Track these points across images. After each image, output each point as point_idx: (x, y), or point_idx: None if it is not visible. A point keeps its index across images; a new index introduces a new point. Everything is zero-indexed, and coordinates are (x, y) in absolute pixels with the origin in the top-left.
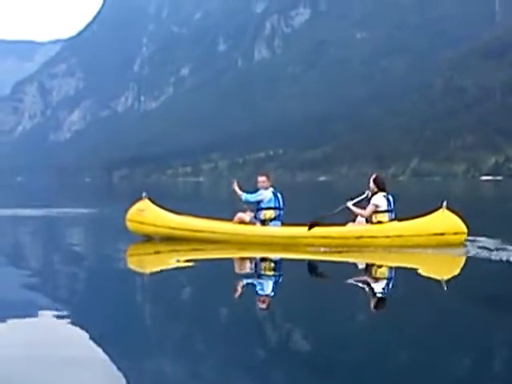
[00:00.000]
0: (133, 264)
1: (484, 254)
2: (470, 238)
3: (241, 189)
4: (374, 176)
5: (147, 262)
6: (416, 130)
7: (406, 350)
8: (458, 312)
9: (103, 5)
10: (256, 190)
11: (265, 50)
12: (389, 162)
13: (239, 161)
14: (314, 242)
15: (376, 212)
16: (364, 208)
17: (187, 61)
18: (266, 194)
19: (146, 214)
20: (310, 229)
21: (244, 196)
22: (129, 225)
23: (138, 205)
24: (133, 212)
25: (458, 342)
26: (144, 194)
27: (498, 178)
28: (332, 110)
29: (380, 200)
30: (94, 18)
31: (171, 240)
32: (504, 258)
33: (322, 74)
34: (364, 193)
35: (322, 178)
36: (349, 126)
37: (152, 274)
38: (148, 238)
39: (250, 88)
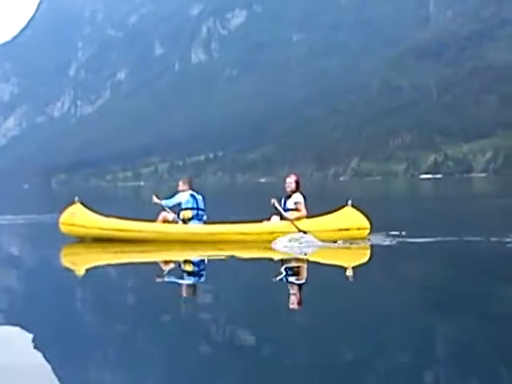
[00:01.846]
0: (66, 264)
1: (385, 245)
2: (380, 232)
3: (159, 198)
4: (294, 177)
5: (78, 263)
6: (355, 130)
7: (322, 335)
8: (363, 298)
9: (37, 9)
10: (175, 194)
11: (202, 52)
12: (329, 162)
13: (179, 164)
14: (230, 238)
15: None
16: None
17: (124, 64)
18: (183, 197)
19: (76, 217)
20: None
21: (164, 202)
22: (62, 228)
23: (70, 208)
24: (65, 215)
25: (364, 324)
26: (76, 199)
27: (438, 176)
28: (271, 111)
29: (301, 198)
30: (29, 23)
31: (102, 241)
32: (404, 250)
33: (260, 76)
34: (274, 203)
35: (262, 180)
36: (288, 127)
37: (83, 274)
38: (80, 240)
39: (188, 91)
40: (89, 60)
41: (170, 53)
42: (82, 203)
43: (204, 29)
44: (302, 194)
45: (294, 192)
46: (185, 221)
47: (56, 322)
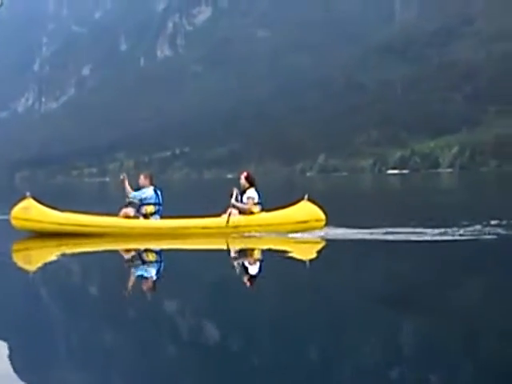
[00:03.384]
0: (20, 259)
1: (340, 237)
2: (334, 225)
3: (130, 186)
4: (245, 174)
5: (35, 257)
6: (321, 127)
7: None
8: (318, 285)
9: (0, 5)
10: (139, 188)
11: (167, 48)
12: (296, 158)
13: (145, 160)
14: (195, 231)
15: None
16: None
17: (88, 60)
18: (148, 192)
19: (31, 212)
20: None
21: (132, 193)
22: (14, 222)
23: (22, 203)
24: (17, 210)
25: (319, 307)
26: (28, 193)
27: (404, 171)
28: (237, 107)
29: (254, 193)
30: None
31: (59, 235)
32: (358, 239)
33: (226, 72)
34: (232, 192)
35: (229, 176)
36: (254, 123)
37: (40, 267)
38: (35, 234)
39: (154, 87)
40: (53, 56)
41: (135, 48)
42: (34, 198)
43: (170, 24)
44: (256, 189)
45: (248, 188)
46: (146, 216)
47: (12, 319)
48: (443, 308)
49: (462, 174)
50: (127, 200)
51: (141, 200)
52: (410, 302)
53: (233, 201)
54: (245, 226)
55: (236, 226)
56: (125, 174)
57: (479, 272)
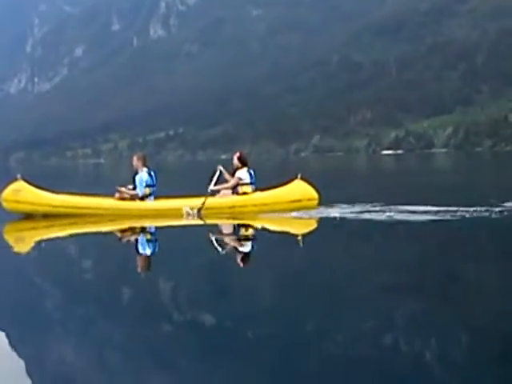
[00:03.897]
0: (11, 240)
1: (334, 215)
2: (329, 204)
3: (124, 186)
4: (237, 154)
5: (26, 238)
6: (315, 107)
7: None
8: (312, 261)
9: None
10: (135, 173)
11: (160, 28)
12: (290, 138)
13: (139, 140)
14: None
15: (241, 184)
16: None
17: (81, 41)
18: (144, 176)
19: (22, 194)
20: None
21: (139, 192)
22: (5, 204)
23: (13, 185)
24: (8, 192)
25: (323, 294)
26: (18, 176)
27: (399, 151)
28: (231, 87)
29: (243, 174)
30: None
31: (52, 217)
32: (351, 218)
33: (220, 52)
34: (216, 171)
35: (223, 157)
36: (249, 103)
37: (32, 248)
38: (26, 216)
39: (147, 67)
40: (45, 36)
41: (127, 28)
42: (25, 180)
43: (162, 4)
44: (249, 169)
45: (239, 168)
46: (142, 198)
47: (7, 301)
48: (440, 285)
49: (457, 154)
50: (136, 195)
51: (144, 186)
52: (405, 277)
53: (211, 187)
54: (240, 206)
55: (232, 206)
56: (119, 188)
57: (475, 250)
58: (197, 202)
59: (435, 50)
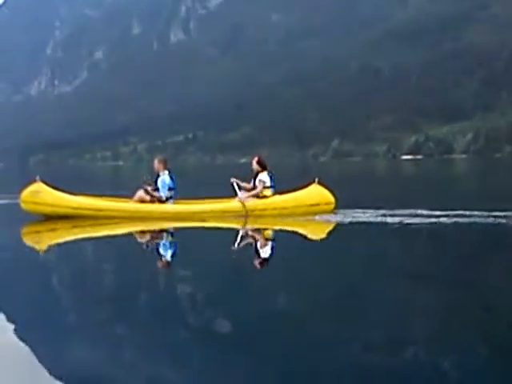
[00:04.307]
0: (30, 241)
1: (349, 219)
2: (345, 209)
3: (150, 185)
4: (256, 158)
5: (45, 239)
6: (335, 112)
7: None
8: (331, 262)
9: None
10: (157, 176)
11: (180, 32)
12: (309, 142)
13: (158, 144)
14: (212, 215)
15: (263, 188)
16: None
17: (101, 44)
18: (166, 179)
19: (41, 196)
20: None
21: (162, 194)
22: (23, 206)
23: (32, 187)
24: (26, 194)
25: (340, 297)
26: (37, 177)
27: (418, 157)
28: (250, 91)
29: (265, 177)
30: (5, 2)
31: (70, 218)
32: (367, 221)
33: (239, 56)
34: (232, 184)
35: (242, 160)
36: (267, 107)
37: (48, 250)
38: (45, 218)
39: (167, 71)
40: (66, 39)
41: (148, 32)
42: (43, 181)
43: (183, 8)
44: (269, 173)
45: (260, 172)
46: (161, 200)
47: (26, 301)
48: (458, 285)
49: (477, 159)
50: (160, 197)
51: (166, 189)
52: (425, 277)
53: (240, 195)
54: (261, 209)
55: (252, 210)
56: (147, 178)
57: (494, 254)
58: (217, 205)
59: (455, 56)
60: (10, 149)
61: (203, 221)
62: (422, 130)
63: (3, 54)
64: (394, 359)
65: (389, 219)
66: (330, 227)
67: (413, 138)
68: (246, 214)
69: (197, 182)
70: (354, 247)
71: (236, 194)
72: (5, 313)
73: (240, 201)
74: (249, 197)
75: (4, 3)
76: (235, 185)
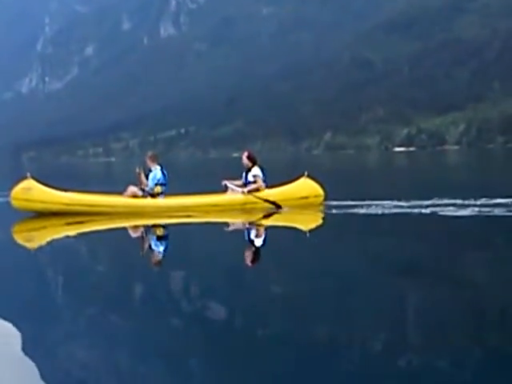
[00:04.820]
0: (21, 239)
1: (338, 210)
2: (333, 201)
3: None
4: (246, 153)
5: (38, 236)
6: (327, 104)
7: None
8: (318, 251)
9: None
10: (149, 171)
11: (171, 27)
12: (302, 136)
13: (150, 139)
14: (206, 209)
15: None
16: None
17: (92, 40)
18: (157, 173)
19: (33, 192)
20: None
21: (149, 186)
22: (14, 203)
23: (23, 184)
24: (17, 191)
25: (332, 291)
26: (28, 174)
27: (411, 149)
28: (241, 85)
29: (258, 171)
30: None
31: (62, 215)
32: (358, 213)
33: (230, 50)
34: (227, 186)
35: (235, 155)
36: (259, 101)
37: (43, 246)
38: (36, 215)
39: (158, 66)
40: (56, 35)
41: (138, 27)
42: (34, 178)
43: (173, 2)
44: (260, 166)
45: (251, 166)
46: (153, 195)
47: (14, 299)
48: (450, 279)
49: (469, 151)
50: (145, 191)
51: (156, 184)
52: (414, 271)
53: (244, 190)
54: (252, 202)
55: (244, 203)
56: (140, 167)
57: (487, 246)
58: (206, 199)
59: (446, 47)
60: (2, 146)
61: (193, 216)
62: (414, 121)
63: None
64: (389, 359)
65: (373, 209)
66: (319, 218)
67: (405, 130)
68: (238, 208)
69: (189, 176)
70: (344, 239)
71: (241, 186)
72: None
73: (244, 193)
74: (251, 190)
75: None
76: (229, 185)
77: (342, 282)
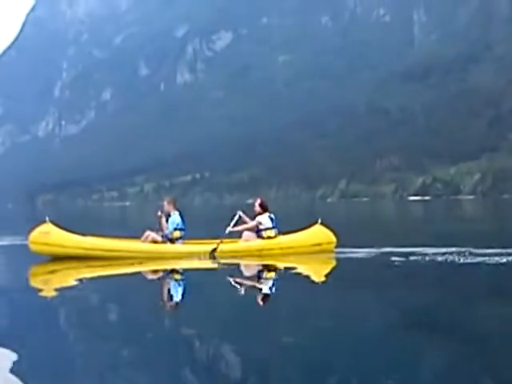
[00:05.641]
0: (39, 283)
1: (350, 256)
2: (345, 248)
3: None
4: (258, 200)
5: (55, 280)
6: (342, 152)
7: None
8: (332, 296)
9: (21, 30)
10: (168, 216)
11: (187, 73)
12: (317, 183)
13: (165, 184)
14: (224, 255)
15: (264, 229)
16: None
17: (109, 85)
18: (176, 218)
19: (51, 236)
20: (213, 251)
21: (169, 230)
22: (32, 247)
23: (41, 228)
24: (35, 235)
25: (346, 343)
26: (47, 218)
27: (426, 198)
28: (257, 132)
29: (264, 219)
30: (13, 43)
31: (81, 259)
32: (365, 258)
33: (246, 97)
34: (235, 214)
35: (250, 201)
36: (275, 148)
37: (58, 292)
38: (53, 258)
39: (174, 112)
40: (73, 80)
41: (155, 73)
42: (53, 222)
43: (190, 50)
44: (270, 215)
45: (260, 213)
46: (172, 240)
47: (36, 343)
48: (464, 332)
49: (484, 201)
50: (164, 235)
51: (175, 229)
52: (429, 324)
53: (229, 228)
54: (268, 249)
55: (260, 249)
56: (162, 212)
57: (502, 296)
58: (233, 246)
59: (461, 97)
60: (18, 189)
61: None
62: (430, 170)
63: (11, 96)
64: None
65: (384, 257)
66: (331, 265)
67: (420, 179)
68: (255, 254)
69: (205, 221)
70: (358, 286)
71: (229, 224)
72: (10, 359)
73: (222, 237)
74: (242, 230)
75: (12, 45)
76: (237, 216)
77: (352, 333)
